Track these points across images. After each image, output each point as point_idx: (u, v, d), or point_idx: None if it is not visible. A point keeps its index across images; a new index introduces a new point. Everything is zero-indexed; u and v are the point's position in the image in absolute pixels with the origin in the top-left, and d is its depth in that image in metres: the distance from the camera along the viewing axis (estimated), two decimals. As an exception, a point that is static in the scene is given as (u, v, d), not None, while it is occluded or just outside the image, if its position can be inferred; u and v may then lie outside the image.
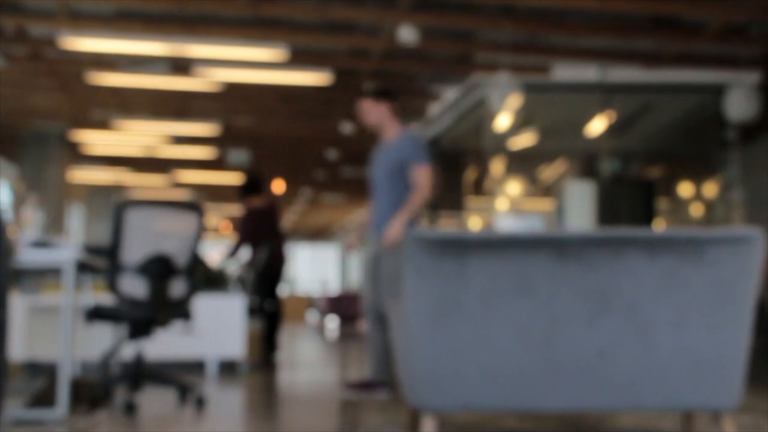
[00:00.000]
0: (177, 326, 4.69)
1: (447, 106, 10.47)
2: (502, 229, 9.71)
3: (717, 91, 8.85)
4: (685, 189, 11.15)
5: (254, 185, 7.65)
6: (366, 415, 4.06)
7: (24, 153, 12.70)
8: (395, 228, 4.76)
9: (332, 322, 18.72)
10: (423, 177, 4.87)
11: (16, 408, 4.07)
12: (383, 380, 4.95)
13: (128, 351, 4.99)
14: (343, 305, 18.52)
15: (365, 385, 4.93)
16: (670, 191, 11.12)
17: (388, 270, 4.84)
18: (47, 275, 6.20)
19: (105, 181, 16.86)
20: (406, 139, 4.96)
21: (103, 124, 12.00)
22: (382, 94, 5.05)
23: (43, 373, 6.11)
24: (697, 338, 2.64)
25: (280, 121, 11.96)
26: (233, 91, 10.12)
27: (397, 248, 4.69)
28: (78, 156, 13.73)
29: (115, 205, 4.33)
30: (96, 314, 4.41)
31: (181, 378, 4.74)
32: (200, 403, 4.45)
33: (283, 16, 7.70)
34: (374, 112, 5.03)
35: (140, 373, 4.48)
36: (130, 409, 4.18)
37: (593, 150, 10.00)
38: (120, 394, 4.81)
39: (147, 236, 4.36)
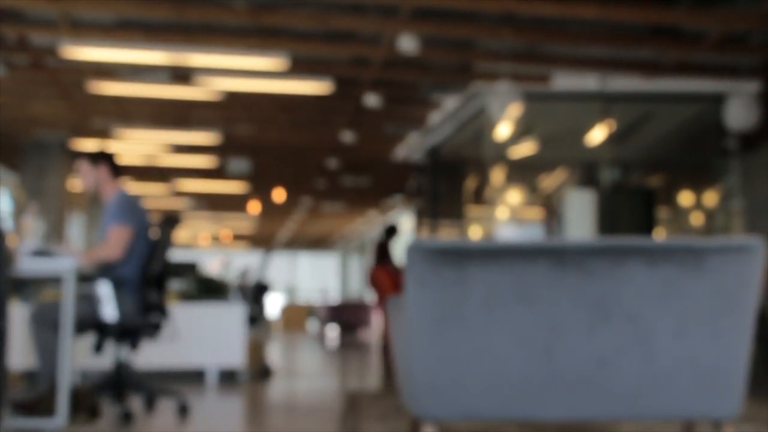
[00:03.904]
0: (165, 334, 4.72)
1: (447, 115, 10.47)
2: (502, 237, 9.71)
3: (717, 100, 8.85)
4: (685, 198, 11.13)
5: (386, 231, 11.09)
6: (366, 424, 4.05)
7: (24, 161, 12.69)
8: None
9: (333, 331, 18.69)
10: (112, 235, 4.55)
11: (15, 417, 4.06)
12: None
13: (108, 360, 4.82)
14: (344, 314, 18.48)
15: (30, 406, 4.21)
16: (670, 200, 11.10)
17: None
18: (47, 284, 6.20)
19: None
20: (113, 201, 4.70)
21: (103, 133, 12.00)
22: (99, 157, 4.76)
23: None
24: (697, 347, 2.63)
25: (280, 130, 11.97)
26: (234, 100, 10.13)
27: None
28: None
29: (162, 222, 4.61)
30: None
31: (160, 385, 4.78)
32: (183, 410, 4.46)
33: (284, 25, 7.71)
34: (91, 175, 4.73)
35: (122, 382, 4.48)
36: (128, 418, 4.17)
37: (593, 159, 10.00)
38: (105, 403, 4.79)
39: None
